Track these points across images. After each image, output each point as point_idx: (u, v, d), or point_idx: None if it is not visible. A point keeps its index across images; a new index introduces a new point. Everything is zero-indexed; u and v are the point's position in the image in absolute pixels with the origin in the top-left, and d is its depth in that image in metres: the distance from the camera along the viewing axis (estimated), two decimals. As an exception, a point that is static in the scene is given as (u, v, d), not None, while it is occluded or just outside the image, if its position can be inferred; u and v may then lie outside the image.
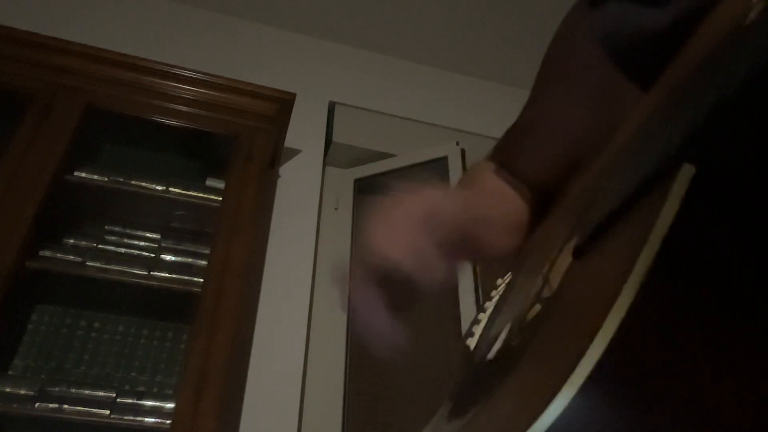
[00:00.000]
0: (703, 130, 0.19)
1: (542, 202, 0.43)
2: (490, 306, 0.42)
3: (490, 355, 0.33)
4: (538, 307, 0.28)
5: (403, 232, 0.37)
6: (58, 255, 1.49)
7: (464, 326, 1.83)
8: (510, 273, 0.42)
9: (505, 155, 0.47)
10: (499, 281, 0.42)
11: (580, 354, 0.17)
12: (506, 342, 0.31)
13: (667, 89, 0.27)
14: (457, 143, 2.09)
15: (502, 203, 0.44)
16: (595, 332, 0.17)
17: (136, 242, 1.66)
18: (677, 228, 0.18)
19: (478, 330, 0.41)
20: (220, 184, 1.66)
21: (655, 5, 0.35)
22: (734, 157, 0.19)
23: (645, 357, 0.17)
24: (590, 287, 0.22)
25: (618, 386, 0.17)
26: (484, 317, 0.41)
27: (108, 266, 1.49)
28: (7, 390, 1.30)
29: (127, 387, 1.47)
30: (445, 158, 2.07)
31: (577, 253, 0.25)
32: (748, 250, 0.19)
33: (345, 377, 1.83)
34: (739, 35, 0.20)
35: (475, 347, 0.39)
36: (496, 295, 0.42)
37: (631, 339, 0.17)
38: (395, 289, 0.37)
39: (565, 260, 0.27)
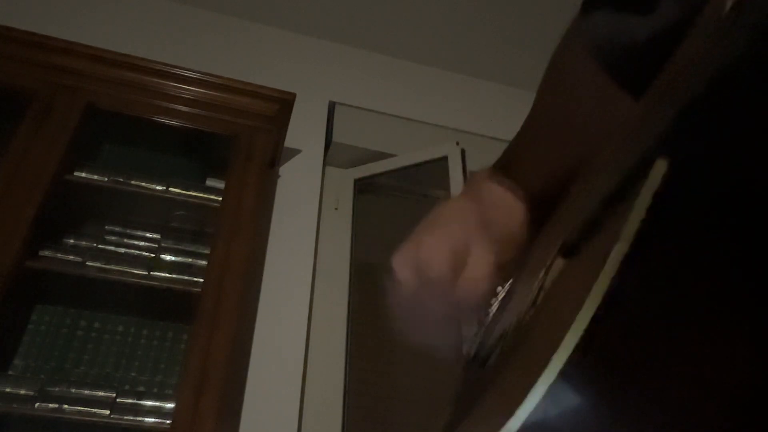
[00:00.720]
0: (675, 128, 0.19)
1: (543, 212, 0.43)
2: (490, 313, 0.42)
3: (489, 362, 0.33)
4: (533, 311, 0.29)
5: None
6: (58, 255, 1.49)
7: (464, 328, 1.83)
8: (509, 281, 0.42)
9: (509, 164, 0.48)
10: (499, 289, 0.42)
11: (553, 351, 0.17)
12: (502, 347, 0.31)
13: (650, 93, 0.28)
14: (457, 143, 2.09)
15: (504, 212, 0.45)
16: (566, 330, 0.17)
17: (136, 242, 1.66)
18: (650, 224, 0.18)
19: (478, 337, 0.41)
20: (220, 184, 1.66)
21: (644, 14, 0.35)
22: (710, 154, 0.19)
23: (622, 354, 0.18)
24: (570, 287, 0.22)
25: (594, 383, 0.17)
26: (483, 324, 0.42)
27: (108, 266, 1.49)
28: (7, 390, 1.30)
29: (127, 387, 1.47)
30: (445, 158, 2.07)
31: (566, 255, 0.26)
32: (728, 245, 0.19)
33: (345, 377, 1.83)
34: (712, 33, 0.21)
35: (475, 354, 0.39)
36: (495, 303, 0.42)
37: (602, 336, 0.17)
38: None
39: (559, 264, 0.27)
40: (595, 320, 0.17)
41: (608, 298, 0.17)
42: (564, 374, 0.17)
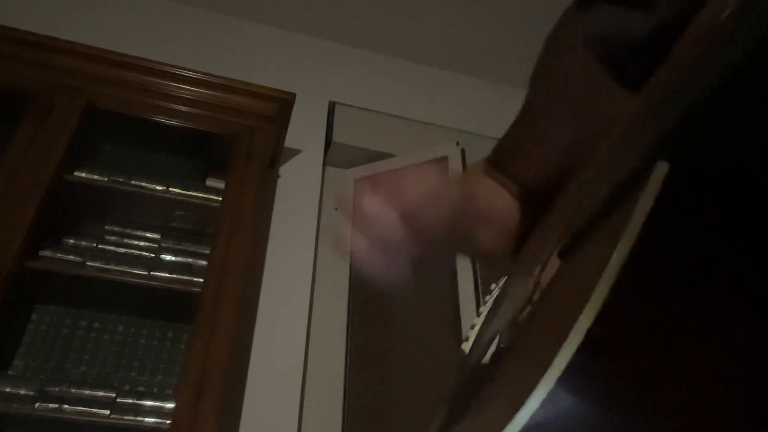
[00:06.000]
0: (676, 131, 0.19)
1: (538, 206, 0.43)
2: (484, 310, 0.42)
3: (485, 359, 0.33)
4: (529, 309, 0.29)
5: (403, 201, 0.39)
6: (58, 255, 1.49)
7: (464, 328, 1.83)
8: (504, 277, 0.42)
9: (502, 158, 0.48)
10: (493, 286, 0.42)
11: (556, 349, 0.17)
12: (498, 345, 0.31)
13: (649, 93, 0.27)
14: (457, 143, 2.09)
15: (496, 203, 0.45)
16: (570, 328, 0.17)
17: (136, 242, 1.67)
18: (652, 225, 0.18)
19: (473, 334, 0.41)
20: (220, 184, 1.67)
21: (642, 10, 0.35)
22: (710, 156, 0.19)
23: (624, 352, 0.18)
24: (571, 286, 0.22)
25: (599, 381, 0.17)
26: (479, 322, 0.42)
27: (108, 266, 1.49)
28: (7, 390, 1.30)
29: (127, 387, 1.47)
30: (445, 158, 2.07)
31: (563, 255, 0.26)
32: (728, 245, 0.19)
33: (345, 377, 1.83)
34: (711, 36, 0.21)
35: (470, 351, 0.39)
36: (490, 300, 0.42)
37: (607, 333, 0.17)
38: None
39: (554, 262, 0.27)
40: (595, 325, 0.17)
41: (607, 303, 0.17)
42: (565, 377, 0.17)
